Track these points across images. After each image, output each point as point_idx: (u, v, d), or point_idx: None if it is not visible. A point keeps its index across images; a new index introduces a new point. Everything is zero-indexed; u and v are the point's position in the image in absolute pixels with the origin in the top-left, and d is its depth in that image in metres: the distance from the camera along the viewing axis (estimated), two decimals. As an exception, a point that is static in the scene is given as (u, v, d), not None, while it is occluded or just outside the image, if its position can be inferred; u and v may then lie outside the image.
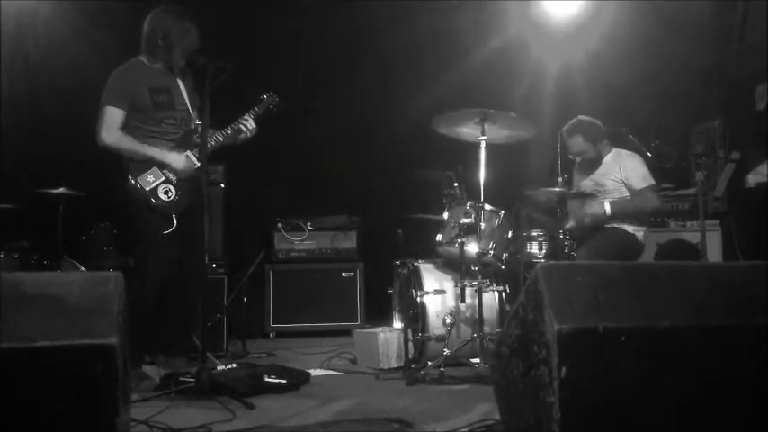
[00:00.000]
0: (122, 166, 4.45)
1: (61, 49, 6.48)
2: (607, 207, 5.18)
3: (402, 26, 6.89)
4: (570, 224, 5.30)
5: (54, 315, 2.33)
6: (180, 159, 4.49)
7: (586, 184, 5.46)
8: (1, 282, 2.39)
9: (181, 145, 4.55)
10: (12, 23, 6.37)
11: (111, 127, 4.43)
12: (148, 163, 4.45)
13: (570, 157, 5.52)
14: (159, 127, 4.52)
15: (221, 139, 4.60)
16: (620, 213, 5.21)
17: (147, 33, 4.54)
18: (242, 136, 4.68)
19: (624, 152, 5.44)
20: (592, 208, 5.27)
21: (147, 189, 4.41)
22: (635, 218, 5.27)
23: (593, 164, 5.46)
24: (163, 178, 4.45)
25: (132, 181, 4.41)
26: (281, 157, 7.07)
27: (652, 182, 5.31)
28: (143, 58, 4.59)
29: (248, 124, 4.67)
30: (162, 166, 4.47)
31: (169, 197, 4.45)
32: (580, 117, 5.44)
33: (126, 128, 4.47)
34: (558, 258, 4.96)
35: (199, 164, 4.53)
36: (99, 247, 5.94)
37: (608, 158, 5.44)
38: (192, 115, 4.65)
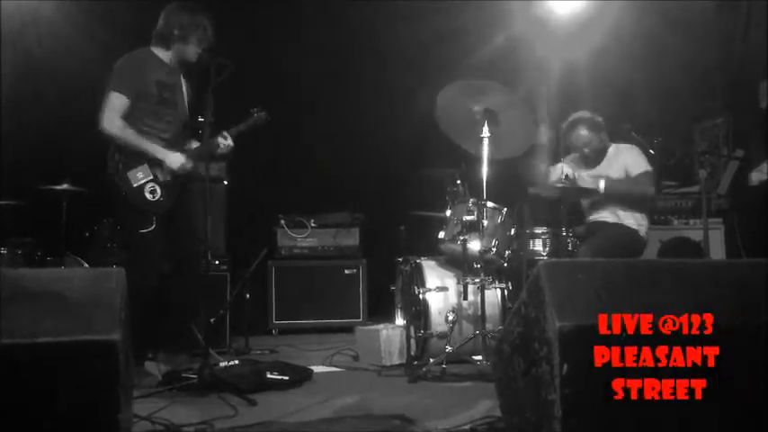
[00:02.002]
0: (111, 158, 4.42)
1: (64, 47, 6.47)
2: (601, 184, 5.15)
3: (405, 25, 6.88)
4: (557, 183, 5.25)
5: (56, 311, 2.33)
6: (177, 159, 4.48)
7: (588, 178, 5.43)
8: (3, 278, 2.40)
9: (172, 145, 4.55)
10: (14, 21, 6.38)
11: (115, 114, 4.39)
12: (139, 159, 4.42)
13: (576, 153, 5.49)
14: (158, 123, 4.51)
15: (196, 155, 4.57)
16: (614, 193, 5.17)
17: (161, 26, 4.55)
18: (219, 151, 4.66)
19: (622, 146, 5.42)
20: (585, 182, 5.20)
21: (135, 185, 4.39)
22: (628, 200, 5.22)
23: (597, 157, 5.43)
24: (151, 177, 4.43)
25: (121, 175, 4.38)
26: (283, 154, 7.08)
27: (649, 169, 5.28)
28: (155, 50, 4.60)
29: (226, 141, 4.65)
30: (153, 164, 4.44)
31: (154, 197, 4.43)
32: (581, 112, 5.43)
33: (128, 117, 4.44)
34: (560, 256, 4.95)
35: (191, 166, 4.54)
36: (102, 244, 5.94)
37: (609, 153, 5.42)
38: (187, 115, 4.66)
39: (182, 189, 4.59)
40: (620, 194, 5.19)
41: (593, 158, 5.44)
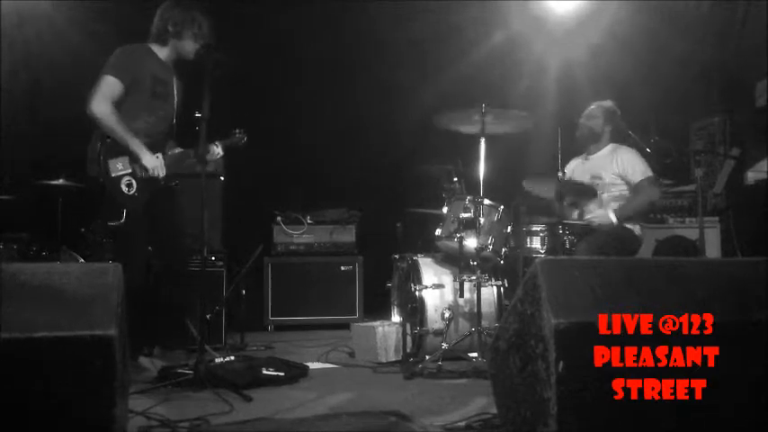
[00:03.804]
0: (93, 146, 4.37)
1: (62, 41, 6.47)
2: (612, 217, 5.15)
3: (403, 22, 6.88)
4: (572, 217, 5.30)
5: (53, 306, 2.33)
6: (153, 162, 4.43)
7: (583, 175, 5.44)
8: (0, 272, 2.39)
9: (159, 142, 4.54)
10: (12, 17, 6.36)
11: (107, 98, 4.36)
12: (122, 150, 4.36)
13: (581, 120, 5.51)
14: (150, 116, 4.51)
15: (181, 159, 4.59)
16: (625, 217, 5.19)
17: (156, 22, 4.58)
18: (209, 158, 4.63)
19: (621, 146, 5.44)
20: (598, 218, 5.19)
21: (113, 175, 4.34)
22: (640, 215, 5.28)
23: (592, 146, 5.47)
24: (130, 170, 4.38)
25: (101, 162, 4.32)
26: (280, 151, 7.07)
27: (650, 173, 5.29)
28: (152, 46, 4.61)
29: (218, 150, 4.72)
30: (134, 158, 4.40)
31: (129, 191, 4.37)
32: (614, 105, 5.53)
33: (121, 107, 4.41)
34: (557, 253, 4.96)
35: (163, 174, 4.51)
36: (98, 239, 5.93)
37: (605, 151, 5.44)
38: (174, 115, 4.66)
39: (160, 187, 4.53)
40: (630, 216, 5.21)
41: (586, 143, 5.49)
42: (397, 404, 3.53)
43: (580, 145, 5.58)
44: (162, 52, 4.60)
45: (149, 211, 4.48)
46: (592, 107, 5.51)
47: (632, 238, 5.25)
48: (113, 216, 4.35)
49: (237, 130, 4.86)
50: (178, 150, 4.60)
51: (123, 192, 4.36)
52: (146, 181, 4.45)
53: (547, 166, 5.50)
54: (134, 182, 4.40)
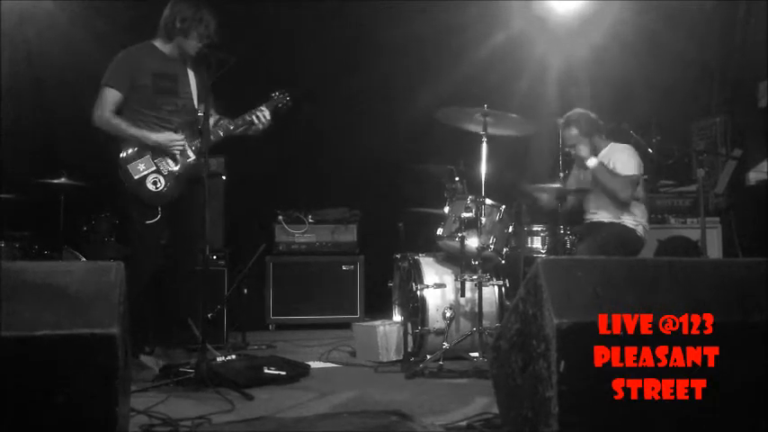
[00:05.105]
0: (113, 151, 4.45)
1: (63, 39, 6.48)
2: (592, 162, 5.18)
3: (405, 21, 6.88)
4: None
5: (55, 304, 2.33)
6: (166, 136, 4.49)
7: (584, 178, 5.45)
8: (2, 271, 2.39)
9: (180, 132, 4.57)
10: (14, 15, 6.37)
11: (105, 108, 4.47)
12: (142, 151, 4.45)
13: (566, 149, 5.49)
14: (158, 112, 4.54)
15: (231, 128, 4.62)
16: (598, 178, 5.21)
17: (165, 17, 4.59)
18: (255, 127, 4.70)
19: (619, 145, 5.41)
20: (582, 151, 5.24)
21: (136, 177, 4.43)
22: (605, 190, 5.25)
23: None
24: (153, 168, 4.46)
25: (122, 168, 4.42)
26: (282, 150, 7.07)
27: (634, 173, 5.22)
28: (156, 42, 4.63)
29: (262, 116, 4.69)
30: (156, 155, 4.48)
31: (157, 188, 4.45)
32: (577, 110, 5.43)
33: (124, 109, 4.49)
34: (558, 254, 4.96)
35: (194, 158, 4.54)
36: (100, 238, 5.93)
37: (603, 152, 5.41)
38: (195, 106, 4.67)
39: (188, 182, 4.59)
40: (600, 181, 5.21)
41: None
42: (398, 403, 3.53)
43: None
44: (166, 48, 4.62)
45: (168, 210, 4.53)
46: (572, 133, 5.33)
47: (635, 238, 5.25)
48: (149, 215, 4.47)
49: (275, 93, 4.86)
50: (226, 122, 4.65)
51: (151, 190, 4.45)
52: (174, 175, 4.51)
53: (548, 167, 5.51)
54: (161, 178, 4.47)
